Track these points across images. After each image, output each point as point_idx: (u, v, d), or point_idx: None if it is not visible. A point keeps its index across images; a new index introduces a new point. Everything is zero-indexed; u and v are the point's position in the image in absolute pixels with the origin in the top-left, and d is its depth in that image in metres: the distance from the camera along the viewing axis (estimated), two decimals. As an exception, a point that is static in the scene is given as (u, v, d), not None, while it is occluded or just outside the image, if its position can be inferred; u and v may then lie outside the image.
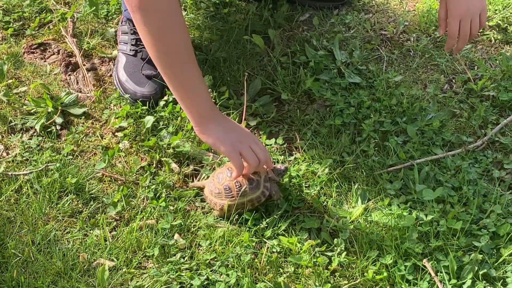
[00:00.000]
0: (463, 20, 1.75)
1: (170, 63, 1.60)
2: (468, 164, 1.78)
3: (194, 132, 1.84)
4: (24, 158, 1.80)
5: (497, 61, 2.07)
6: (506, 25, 2.17)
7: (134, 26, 1.98)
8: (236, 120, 1.87)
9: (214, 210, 1.69)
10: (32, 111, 1.91)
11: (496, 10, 2.21)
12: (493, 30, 2.17)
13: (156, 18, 1.55)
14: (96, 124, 1.91)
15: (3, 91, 1.94)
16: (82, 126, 1.90)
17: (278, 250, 1.60)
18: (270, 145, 1.84)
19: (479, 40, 2.14)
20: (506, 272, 1.55)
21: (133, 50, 2.00)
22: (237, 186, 1.65)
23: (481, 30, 2.11)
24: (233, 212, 1.66)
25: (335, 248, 1.61)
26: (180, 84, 1.63)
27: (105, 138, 1.87)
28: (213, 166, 1.79)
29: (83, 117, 1.93)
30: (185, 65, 1.61)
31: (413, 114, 1.90)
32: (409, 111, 1.90)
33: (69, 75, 2.05)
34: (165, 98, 1.94)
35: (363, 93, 1.94)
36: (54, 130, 1.87)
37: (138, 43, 1.99)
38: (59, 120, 1.90)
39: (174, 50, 1.59)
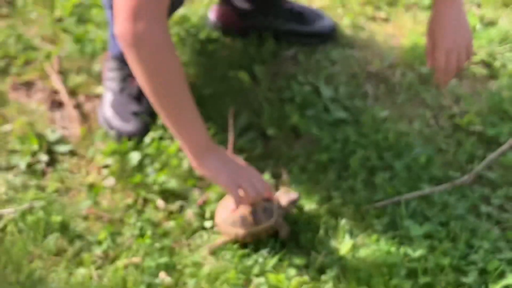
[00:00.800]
0: (450, 53, 1.77)
1: (167, 100, 1.60)
2: (455, 199, 1.78)
3: (180, 169, 1.85)
4: (9, 197, 1.79)
5: (483, 96, 2.09)
6: (491, 60, 2.20)
7: (121, 62, 1.99)
8: (223, 156, 1.88)
9: (226, 237, 1.69)
10: (17, 149, 1.91)
11: (480, 45, 2.23)
12: (478, 65, 2.19)
13: (150, 55, 1.55)
14: (81, 161, 1.91)
15: (-13, 129, 1.94)
16: (67, 164, 1.89)
17: (266, 288, 1.59)
18: (257, 181, 1.83)
19: (465, 75, 2.16)
20: (495, 308, 1.55)
21: (119, 87, 2.00)
22: (252, 215, 1.66)
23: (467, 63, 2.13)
24: (247, 240, 1.67)
25: (323, 284, 1.60)
26: (177, 119, 1.62)
27: (90, 175, 1.86)
28: (199, 202, 1.78)
29: (69, 154, 1.92)
30: (181, 101, 1.61)
31: (400, 149, 1.91)
32: (396, 146, 1.91)
33: (54, 112, 2.05)
34: (151, 135, 1.93)
35: (349, 128, 1.95)
36: (39, 168, 1.87)
37: (125, 80, 2.00)
38: (44, 157, 1.89)
39: (170, 86, 1.59)
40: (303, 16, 2.25)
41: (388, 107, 2.06)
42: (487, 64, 2.20)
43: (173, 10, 1.74)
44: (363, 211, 1.76)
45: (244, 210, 1.67)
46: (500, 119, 2.00)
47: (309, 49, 2.24)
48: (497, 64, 2.19)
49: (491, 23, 2.32)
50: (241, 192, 1.63)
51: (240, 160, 1.70)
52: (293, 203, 1.72)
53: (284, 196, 1.73)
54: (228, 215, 1.68)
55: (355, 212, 1.76)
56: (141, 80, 1.58)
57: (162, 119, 1.63)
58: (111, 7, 1.72)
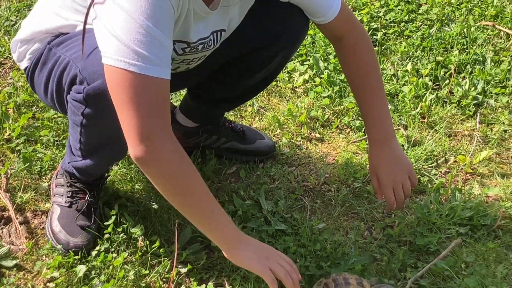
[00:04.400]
0: (395, 187, 1.98)
1: (193, 209, 1.71)
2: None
3: (126, 280, 1.89)
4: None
5: (412, 209, 2.22)
6: (418, 176, 2.35)
7: (70, 178, 2.06)
8: (167, 267, 1.93)
9: None
10: (-37, 263, 1.92)
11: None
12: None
13: (169, 172, 1.64)
14: (27, 276, 1.93)
15: None
16: (14, 278, 1.91)
17: None
18: (201, 291, 1.89)
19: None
20: None
21: (68, 201, 2.06)
22: None
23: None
24: None
25: None
26: (206, 223, 1.73)
27: (37, 288, 1.88)
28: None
29: (15, 269, 1.95)
30: (206, 205, 1.71)
31: (337, 258, 2.00)
32: (333, 256, 2.00)
33: (2, 228, 2.08)
34: (97, 248, 1.98)
35: (289, 239, 2.04)
36: (-15, 282, 1.88)
37: (74, 195, 2.06)
38: (-10, 272, 1.91)
39: (194, 195, 1.68)
40: (244, 135, 2.38)
41: (325, 219, 2.17)
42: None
43: None
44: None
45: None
46: (429, 230, 2.13)
47: (250, 166, 2.35)
48: (424, 180, 2.34)
49: (417, 143, 2.49)
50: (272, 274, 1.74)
51: (266, 245, 1.81)
52: None
53: None
54: None
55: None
56: (165, 195, 1.68)
57: (192, 222, 1.74)
58: (77, 124, 1.81)
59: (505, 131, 2.57)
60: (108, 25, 1.54)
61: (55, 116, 2.45)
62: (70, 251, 1.97)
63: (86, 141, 1.87)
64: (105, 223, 2.03)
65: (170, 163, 1.63)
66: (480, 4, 3.27)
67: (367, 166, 2.34)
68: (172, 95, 2.62)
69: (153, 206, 2.13)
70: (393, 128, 2.00)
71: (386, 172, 1.97)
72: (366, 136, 2.20)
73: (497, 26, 3.09)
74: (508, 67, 2.81)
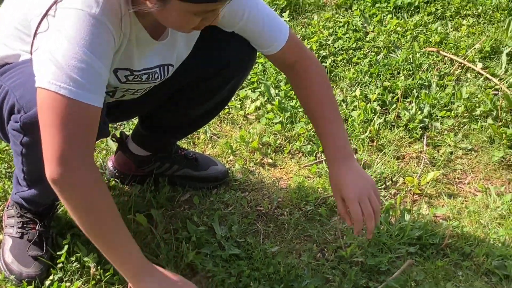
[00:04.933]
0: (362, 202, 1.88)
1: (100, 235, 1.68)
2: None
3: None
4: None
5: (363, 231, 2.26)
6: (368, 198, 2.40)
7: (20, 209, 2.06)
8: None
9: None
10: None
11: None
12: (357, 203, 2.38)
13: (80, 198, 1.63)
14: (-20, 308, 1.92)
15: None
16: (-34, 310, 1.90)
17: None
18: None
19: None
20: None
21: (19, 232, 2.06)
22: None
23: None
24: None
25: None
26: (110, 249, 1.70)
27: (-11, 320, 1.87)
28: None
29: (-33, 301, 1.93)
30: (113, 233, 1.68)
31: (290, 281, 2.03)
32: (286, 278, 2.03)
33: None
34: (51, 277, 1.98)
35: (243, 263, 2.06)
36: None
37: (24, 225, 2.05)
38: None
39: (103, 223, 1.66)
40: (197, 162, 2.40)
41: (278, 243, 2.20)
42: (365, 202, 2.39)
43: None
44: None
45: None
46: (379, 250, 2.18)
47: (203, 192, 2.38)
48: (374, 201, 2.39)
49: (367, 166, 2.55)
50: None
51: (177, 279, 1.77)
52: None
53: None
54: None
55: None
56: (74, 218, 1.66)
57: (99, 249, 1.70)
58: (18, 154, 1.82)
59: (451, 152, 2.64)
60: (47, 52, 1.57)
61: (7, 148, 2.45)
62: (23, 281, 1.96)
63: (29, 171, 1.88)
64: (58, 253, 2.03)
65: (83, 191, 1.62)
66: (424, 31, 3.37)
67: (319, 189, 2.40)
68: (124, 124, 2.64)
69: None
70: (351, 148, 1.99)
71: (350, 186, 1.89)
72: (325, 158, 2.16)
73: (441, 52, 3.18)
74: (453, 91, 2.90)
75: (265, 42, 1.95)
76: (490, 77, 3.01)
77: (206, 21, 1.66)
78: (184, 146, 2.52)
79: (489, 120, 2.75)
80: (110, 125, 2.18)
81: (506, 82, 2.97)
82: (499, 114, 2.77)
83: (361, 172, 1.95)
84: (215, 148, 2.60)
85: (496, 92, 2.92)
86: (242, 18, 1.90)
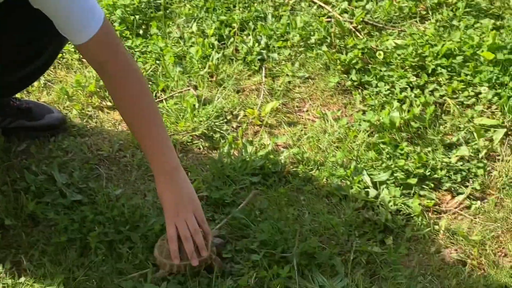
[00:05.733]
0: (178, 223, 1.85)
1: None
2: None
3: None
4: None
5: (207, 166, 2.29)
6: (211, 133, 2.42)
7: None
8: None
9: (162, 270, 1.85)
10: None
11: (201, 121, 2.44)
12: (200, 139, 2.40)
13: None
14: None
15: None
16: None
17: None
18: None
19: (190, 149, 2.36)
20: None
21: None
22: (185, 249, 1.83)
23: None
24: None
25: None
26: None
27: None
28: None
29: None
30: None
31: (136, 221, 2.02)
32: (132, 220, 2.03)
33: None
34: None
35: (86, 208, 2.04)
36: None
37: None
38: None
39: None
40: (31, 112, 2.32)
41: (122, 185, 2.19)
42: (208, 137, 2.41)
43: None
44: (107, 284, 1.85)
45: (179, 243, 1.83)
46: (223, 183, 2.21)
47: (41, 141, 2.30)
48: (217, 136, 2.41)
49: (208, 102, 2.56)
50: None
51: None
52: (221, 245, 1.95)
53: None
54: (165, 248, 1.85)
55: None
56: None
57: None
58: None
59: (289, 82, 2.70)
60: None
61: None
62: None
63: None
64: None
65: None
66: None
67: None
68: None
69: None
70: (177, 160, 1.92)
71: (168, 207, 1.87)
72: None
73: (275, -17, 3.21)
74: (288, 21, 2.94)
75: (69, 29, 1.78)
76: (323, 4, 3.06)
77: None
78: (17, 96, 2.41)
79: (324, 47, 2.82)
80: None
81: (338, 9, 3.04)
82: (333, 41, 2.85)
83: (186, 192, 1.91)
84: (50, 95, 2.51)
85: (329, 19, 2.99)
86: None
